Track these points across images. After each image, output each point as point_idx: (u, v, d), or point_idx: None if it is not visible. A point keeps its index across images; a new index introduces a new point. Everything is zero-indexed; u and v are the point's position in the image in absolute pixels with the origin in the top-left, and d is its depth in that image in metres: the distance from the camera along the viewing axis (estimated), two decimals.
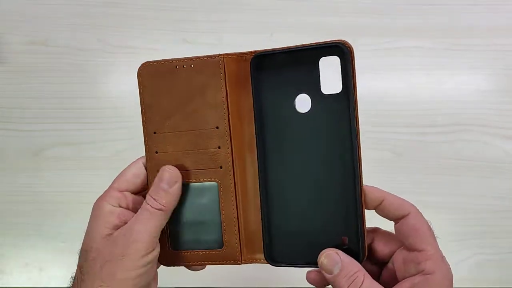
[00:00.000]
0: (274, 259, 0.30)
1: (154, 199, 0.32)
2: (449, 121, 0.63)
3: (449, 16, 0.69)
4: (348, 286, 0.27)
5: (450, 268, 0.29)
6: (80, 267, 0.31)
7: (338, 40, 0.29)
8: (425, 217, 0.31)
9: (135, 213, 0.32)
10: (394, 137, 0.61)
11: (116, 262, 0.30)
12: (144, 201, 0.32)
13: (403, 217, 0.29)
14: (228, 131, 0.32)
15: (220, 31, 0.67)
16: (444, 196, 0.58)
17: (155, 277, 0.34)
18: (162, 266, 0.36)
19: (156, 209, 0.31)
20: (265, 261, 0.31)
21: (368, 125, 0.62)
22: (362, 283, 0.27)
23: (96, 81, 0.65)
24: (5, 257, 0.55)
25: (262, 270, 0.55)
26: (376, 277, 0.32)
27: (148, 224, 0.31)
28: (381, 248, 0.31)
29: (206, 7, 0.69)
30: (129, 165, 0.35)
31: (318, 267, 0.29)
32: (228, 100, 0.32)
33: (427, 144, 0.61)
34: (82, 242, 0.33)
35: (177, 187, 0.32)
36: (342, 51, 0.28)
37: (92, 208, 0.34)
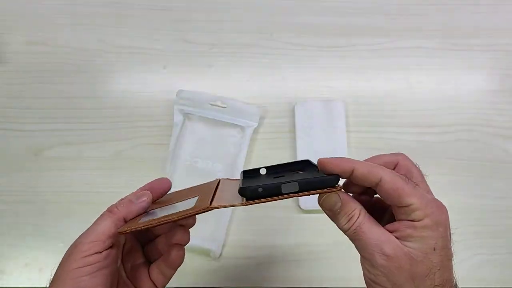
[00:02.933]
0: (249, 192, 0.31)
1: (114, 205, 0.34)
2: (449, 121, 0.63)
3: (449, 16, 0.69)
4: (347, 222, 0.29)
5: (441, 209, 0.31)
6: None
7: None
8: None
9: None
10: (394, 137, 0.61)
11: (65, 263, 0.31)
12: None
13: (377, 183, 0.30)
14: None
15: (219, 31, 0.67)
16: (444, 196, 0.58)
17: None
18: None
19: (108, 211, 0.33)
20: (236, 204, 0.32)
21: (368, 125, 0.62)
22: (358, 217, 0.29)
23: (96, 81, 0.65)
24: (5, 257, 0.55)
25: (261, 270, 0.55)
26: (370, 205, 0.33)
27: (97, 226, 0.32)
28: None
29: (206, 7, 0.69)
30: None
31: (288, 196, 0.30)
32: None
33: (427, 144, 0.61)
34: None
35: (142, 203, 0.34)
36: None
37: None
